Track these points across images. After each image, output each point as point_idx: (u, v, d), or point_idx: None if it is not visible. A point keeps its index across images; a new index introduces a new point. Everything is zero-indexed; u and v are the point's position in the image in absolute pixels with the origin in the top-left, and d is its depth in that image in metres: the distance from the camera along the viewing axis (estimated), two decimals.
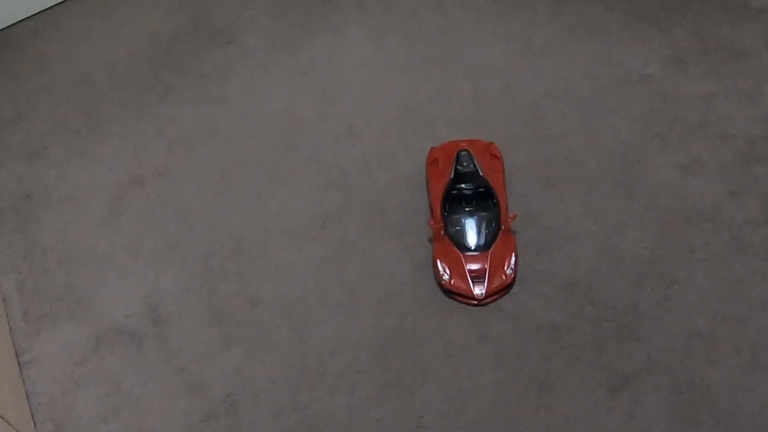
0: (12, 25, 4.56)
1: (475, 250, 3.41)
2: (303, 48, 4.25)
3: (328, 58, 4.18)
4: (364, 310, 3.29)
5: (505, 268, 3.35)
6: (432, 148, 3.68)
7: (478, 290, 3.33)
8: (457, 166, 3.55)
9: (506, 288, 3.37)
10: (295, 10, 4.46)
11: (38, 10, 4.62)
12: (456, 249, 3.41)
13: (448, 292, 3.37)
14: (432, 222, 3.47)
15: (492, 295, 3.34)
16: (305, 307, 3.32)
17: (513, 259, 3.36)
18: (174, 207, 3.67)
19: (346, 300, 3.32)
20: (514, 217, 3.41)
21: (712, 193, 3.53)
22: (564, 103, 3.88)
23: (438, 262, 3.39)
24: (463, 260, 3.39)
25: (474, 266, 3.38)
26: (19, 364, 3.31)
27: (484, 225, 3.43)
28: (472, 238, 3.43)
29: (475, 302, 3.34)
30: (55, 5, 4.64)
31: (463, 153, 3.59)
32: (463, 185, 3.52)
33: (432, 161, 3.63)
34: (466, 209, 3.48)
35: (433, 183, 3.57)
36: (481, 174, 3.54)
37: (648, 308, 3.24)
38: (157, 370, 3.23)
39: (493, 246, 3.40)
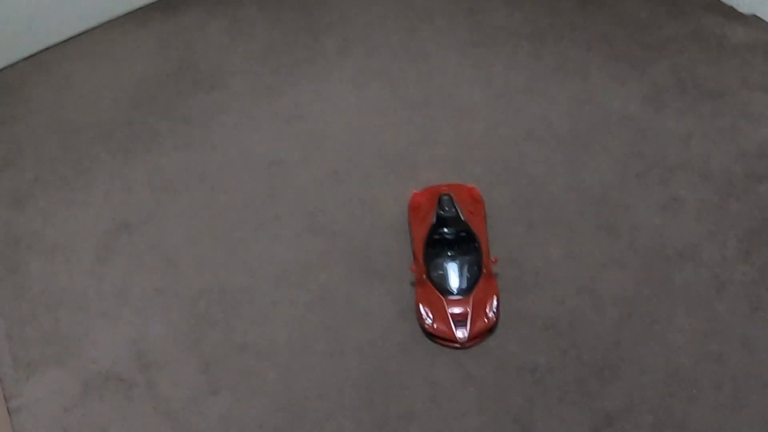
0: None
1: (457, 294, 3.42)
2: (287, 93, 4.29)
3: (311, 103, 4.22)
4: (349, 354, 3.31)
5: (487, 310, 3.37)
6: (414, 193, 3.72)
7: (461, 333, 3.35)
8: (439, 211, 3.58)
9: (488, 330, 3.39)
10: (278, 55, 4.50)
11: (24, 56, 4.66)
12: (438, 293, 3.43)
13: (431, 335, 3.39)
14: (414, 267, 3.51)
15: (474, 338, 3.36)
16: (291, 351, 3.34)
17: (495, 302, 3.38)
18: (160, 253, 3.69)
19: (331, 344, 3.34)
20: (496, 260, 3.45)
21: (692, 232, 3.57)
22: (545, 144, 3.92)
23: (420, 306, 3.41)
24: (446, 304, 3.40)
25: (456, 310, 3.39)
26: (8, 410, 3.32)
27: (465, 269, 3.45)
28: (454, 282, 3.44)
29: (458, 345, 3.36)
30: (41, 51, 4.69)
31: (445, 197, 3.62)
32: (445, 230, 3.54)
33: (414, 206, 3.67)
34: (448, 253, 3.49)
35: (415, 227, 3.60)
36: (462, 218, 3.56)
37: (630, 348, 3.26)
38: (145, 416, 3.24)
39: (475, 289, 3.41)
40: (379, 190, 3.83)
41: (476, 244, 3.50)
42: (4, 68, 4.58)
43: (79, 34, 4.74)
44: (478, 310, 3.38)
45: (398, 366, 3.27)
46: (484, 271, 3.45)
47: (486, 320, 3.36)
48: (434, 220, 3.57)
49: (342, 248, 3.63)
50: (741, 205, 3.63)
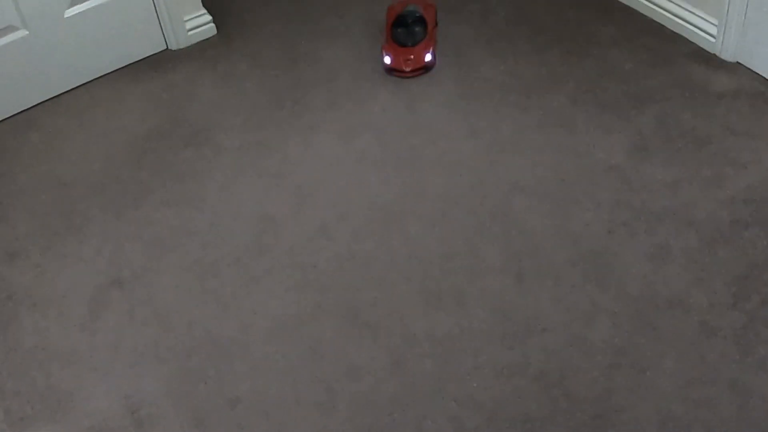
0: None
1: (409, 46, 4.64)
2: (276, 148, 4.33)
3: (300, 157, 4.26)
4: (341, 408, 3.30)
5: (426, 54, 4.64)
6: (389, 7, 4.95)
7: (408, 67, 4.60)
8: (405, 9, 4.77)
9: (426, 67, 4.70)
10: (268, 110, 4.54)
11: (15, 112, 4.69)
12: (396, 45, 4.64)
13: (390, 70, 4.67)
14: (384, 44, 4.74)
15: (417, 69, 4.65)
16: (283, 405, 3.33)
17: (431, 50, 4.66)
18: (152, 308, 3.70)
19: (324, 398, 3.34)
20: (436, 25, 4.79)
21: (680, 279, 3.59)
22: (532, 195, 3.95)
23: (383, 52, 4.67)
24: (401, 52, 4.64)
25: (408, 55, 4.62)
26: None
27: (415, 32, 4.68)
28: (406, 39, 4.65)
29: (406, 72, 4.64)
30: (32, 107, 4.72)
31: (410, 6, 4.80)
32: (406, 17, 4.71)
33: (390, 13, 4.86)
34: (405, 26, 4.70)
35: (387, 21, 4.79)
36: (418, 12, 4.72)
37: (621, 396, 3.26)
38: None
39: (419, 44, 4.64)
40: (369, 244, 3.85)
41: (425, 23, 4.72)
42: None
43: (70, 90, 4.78)
44: (420, 53, 4.63)
45: (390, 419, 3.26)
46: (427, 37, 4.66)
47: (424, 60, 4.64)
48: (401, 11, 4.77)
49: (332, 302, 3.65)
50: (728, 251, 3.65)
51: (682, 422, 3.16)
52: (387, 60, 4.71)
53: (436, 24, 4.91)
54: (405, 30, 4.76)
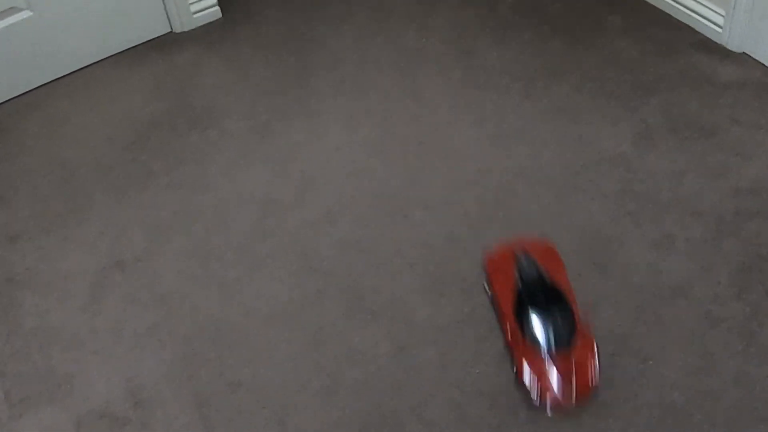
0: None
1: (557, 350, 3.14)
2: (280, 133, 4.32)
3: (304, 142, 4.25)
4: (343, 393, 3.29)
5: (590, 369, 3.12)
6: (488, 257, 3.54)
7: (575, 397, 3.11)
8: (520, 275, 3.32)
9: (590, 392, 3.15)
10: (272, 95, 4.54)
11: (18, 93, 4.68)
12: (537, 351, 3.14)
13: (554, 403, 3.13)
14: (506, 328, 3.29)
15: (580, 398, 3.13)
16: (285, 390, 3.32)
17: (596, 361, 3.15)
18: (155, 292, 3.69)
19: (325, 383, 3.33)
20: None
21: (684, 269, 3.57)
22: (537, 183, 3.94)
23: (522, 362, 3.18)
24: (547, 362, 3.13)
25: (559, 368, 3.12)
26: None
27: (560, 325, 3.16)
28: (551, 338, 3.15)
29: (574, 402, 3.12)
30: (35, 88, 4.71)
31: (523, 258, 3.37)
32: (532, 292, 3.27)
33: (491, 269, 3.46)
34: (541, 312, 3.21)
35: (498, 289, 3.39)
36: (546, 279, 3.30)
37: (623, 385, 3.25)
38: None
39: (574, 346, 3.15)
40: (373, 230, 3.84)
41: (566, 302, 3.24)
42: None
43: (75, 72, 4.77)
44: (581, 368, 3.12)
45: (392, 405, 3.25)
46: (578, 327, 3.19)
47: (590, 381, 3.13)
48: (519, 285, 3.30)
49: (335, 288, 3.63)
50: (733, 242, 3.64)
51: (684, 412, 3.14)
52: (533, 393, 3.16)
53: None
54: (543, 314, 3.23)
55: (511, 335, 3.28)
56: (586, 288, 3.53)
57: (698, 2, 4.62)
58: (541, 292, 3.28)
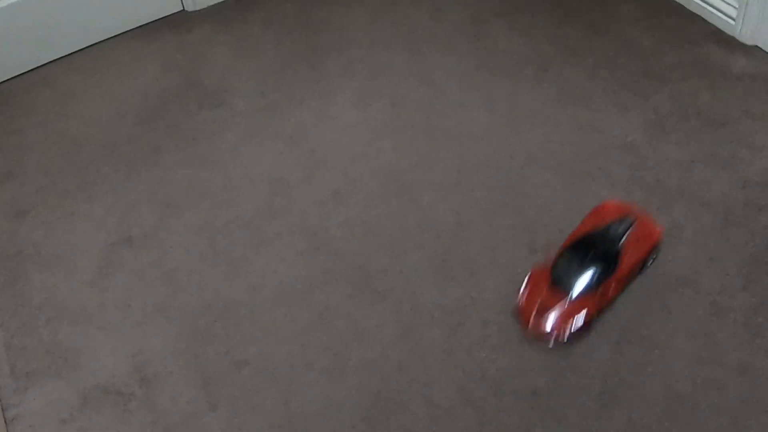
0: (4, 81, 4.62)
1: (562, 289, 3.32)
2: (290, 112, 4.32)
3: (314, 122, 4.25)
4: (349, 374, 3.30)
5: (575, 318, 3.28)
6: (606, 202, 3.66)
7: (534, 329, 3.31)
8: (606, 228, 3.46)
9: (561, 337, 3.31)
10: (282, 74, 4.53)
11: (30, 68, 4.68)
12: (549, 280, 3.35)
13: (518, 315, 3.38)
14: (535, 269, 3.45)
15: (538, 332, 3.31)
16: (291, 369, 3.33)
17: (582, 316, 3.28)
18: (162, 268, 3.69)
19: (331, 363, 3.34)
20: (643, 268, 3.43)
21: (692, 258, 3.57)
22: (547, 169, 3.93)
23: (526, 280, 3.41)
24: (546, 292, 3.33)
25: (549, 301, 3.32)
26: (5, 420, 3.31)
27: (588, 276, 3.32)
28: (567, 278, 3.32)
29: (529, 332, 3.34)
30: (46, 63, 4.71)
31: (622, 221, 3.50)
32: (595, 242, 3.42)
33: (596, 211, 3.59)
34: (582, 260, 3.35)
35: (579, 228, 3.53)
36: (619, 244, 3.42)
37: (628, 372, 3.25)
38: (143, 430, 3.21)
39: (579, 298, 3.30)
40: (380, 211, 3.84)
41: (613, 268, 3.35)
42: (9, 80, 4.61)
43: (85, 48, 4.76)
44: (567, 314, 3.28)
45: (397, 386, 3.26)
46: (601, 289, 3.31)
47: (563, 327, 3.29)
48: (593, 231, 3.46)
49: (343, 267, 3.64)
50: (741, 233, 3.64)
51: (689, 401, 3.15)
52: (520, 296, 3.40)
53: (644, 266, 3.53)
54: (577, 260, 3.40)
55: (542, 266, 3.45)
56: None
57: None
58: (599, 246, 3.39)
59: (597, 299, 3.31)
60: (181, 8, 5.02)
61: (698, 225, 3.68)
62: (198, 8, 5.02)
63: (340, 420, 3.19)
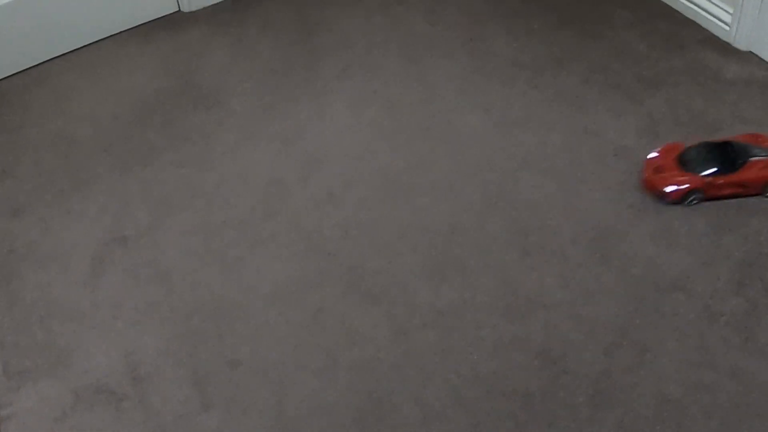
0: (0, 79, 4.63)
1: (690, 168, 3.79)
2: (286, 113, 4.32)
3: (310, 124, 4.26)
4: (341, 375, 3.31)
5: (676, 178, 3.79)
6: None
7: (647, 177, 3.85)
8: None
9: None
10: (279, 75, 4.54)
11: (26, 67, 4.68)
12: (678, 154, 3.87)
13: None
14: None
15: (650, 186, 3.86)
16: (284, 370, 3.34)
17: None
18: (156, 268, 3.70)
19: (324, 364, 3.34)
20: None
21: (684, 262, 3.58)
22: (540, 172, 3.95)
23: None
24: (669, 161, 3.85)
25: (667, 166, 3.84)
26: None
27: (721, 161, 3.78)
28: (698, 161, 3.81)
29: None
30: (42, 62, 4.71)
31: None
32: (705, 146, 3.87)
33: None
34: (711, 155, 3.81)
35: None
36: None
37: (620, 375, 3.27)
38: (135, 429, 3.22)
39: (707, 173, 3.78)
40: (376, 213, 3.85)
41: (732, 170, 3.79)
42: (5, 78, 4.62)
43: (82, 47, 4.77)
44: (671, 177, 3.81)
45: (389, 387, 3.27)
46: (709, 180, 3.77)
47: (663, 185, 3.81)
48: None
49: (337, 269, 3.64)
50: (734, 237, 3.65)
51: (680, 404, 3.16)
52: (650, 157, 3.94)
53: (763, 192, 3.84)
54: (706, 152, 3.83)
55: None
56: (586, 278, 3.55)
57: None
58: (731, 151, 3.79)
59: (703, 183, 3.73)
60: (177, 9, 5.03)
61: (691, 229, 3.69)
62: (194, 9, 5.03)
63: (332, 420, 3.20)
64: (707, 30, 4.65)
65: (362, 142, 4.16)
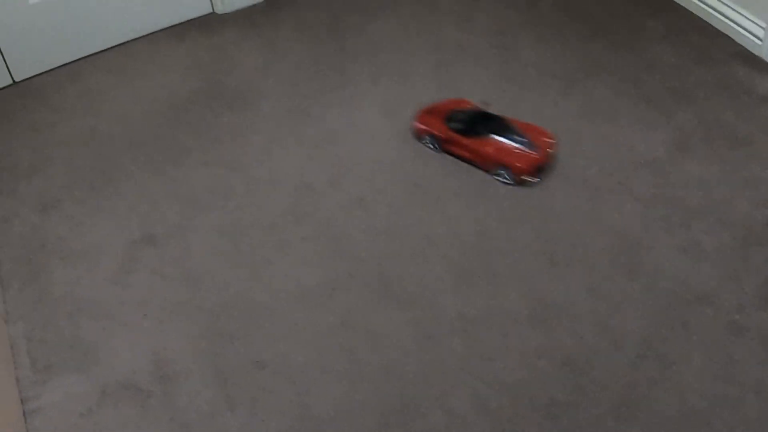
0: (34, 76, 4.66)
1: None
2: (317, 117, 4.34)
3: (340, 128, 4.27)
4: (367, 379, 3.32)
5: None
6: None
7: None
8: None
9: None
10: (310, 79, 4.56)
11: (60, 64, 4.71)
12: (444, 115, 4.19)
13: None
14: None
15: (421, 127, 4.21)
16: (309, 372, 3.35)
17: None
18: (184, 267, 3.72)
19: (350, 367, 3.35)
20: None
21: (711, 276, 3.58)
22: (570, 182, 3.95)
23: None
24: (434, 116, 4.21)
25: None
26: (24, 412, 3.33)
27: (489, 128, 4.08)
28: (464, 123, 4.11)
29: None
30: (76, 60, 4.74)
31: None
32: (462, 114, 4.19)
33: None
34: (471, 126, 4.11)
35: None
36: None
37: (645, 387, 3.26)
38: (160, 427, 3.23)
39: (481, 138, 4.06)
40: (404, 219, 3.86)
41: (501, 121, 4.12)
42: (38, 75, 4.64)
43: (115, 47, 4.80)
44: (430, 121, 4.24)
45: (414, 393, 3.27)
46: (456, 139, 4.13)
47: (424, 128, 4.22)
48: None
49: (364, 274, 3.65)
50: (761, 252, 3.64)
51: (703, 418, 3.16)
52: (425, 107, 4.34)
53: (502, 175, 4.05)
54: (470, 120, 4.15)
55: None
56: (613, 289, 3.55)
57: (739, 13, 4.62)
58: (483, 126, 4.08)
59: (442, 133, 4.13)
60: (211, 10, 5.06)
61: (718, 243, 3.69)
62: (228, 11, 5.05)
63: (356, 424, 3.20)
64: (739, 44, 4.65)
65: (392, 148, 4.17)
